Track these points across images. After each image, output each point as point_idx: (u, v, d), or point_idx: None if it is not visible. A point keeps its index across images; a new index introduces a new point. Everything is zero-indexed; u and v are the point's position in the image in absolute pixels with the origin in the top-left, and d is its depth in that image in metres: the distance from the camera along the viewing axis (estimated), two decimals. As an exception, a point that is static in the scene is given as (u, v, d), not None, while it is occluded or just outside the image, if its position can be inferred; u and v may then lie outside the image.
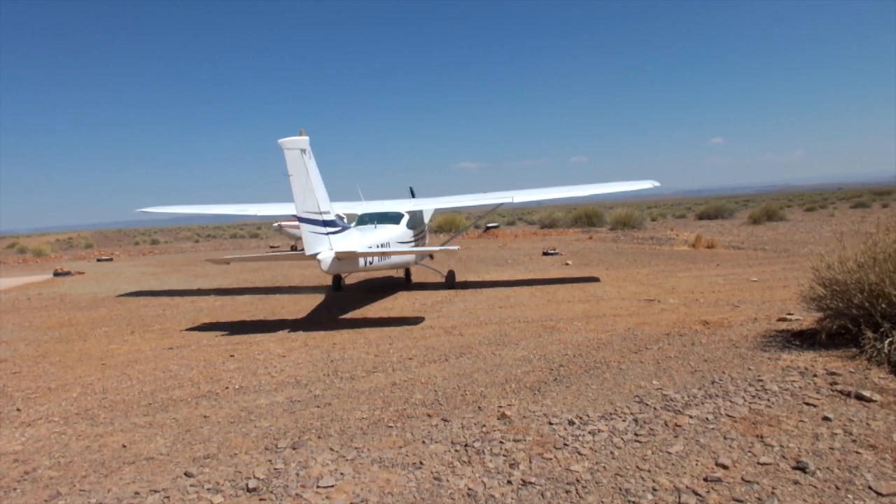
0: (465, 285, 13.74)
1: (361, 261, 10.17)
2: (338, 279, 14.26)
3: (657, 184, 14.53)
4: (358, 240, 10.48)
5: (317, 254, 9.57)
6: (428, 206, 13.99)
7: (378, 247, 11.06)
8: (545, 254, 19.72)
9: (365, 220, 12.92)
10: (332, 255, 9.56)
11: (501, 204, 13.57)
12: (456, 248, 10.37)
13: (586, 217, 36.46)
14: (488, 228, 38.89)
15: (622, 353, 7.12)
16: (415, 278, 15.40)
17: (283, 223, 29.27)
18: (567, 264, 16.68)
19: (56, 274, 20.40)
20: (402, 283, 14.82)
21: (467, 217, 34.88)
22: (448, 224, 33.33)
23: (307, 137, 9.50)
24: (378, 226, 12.45)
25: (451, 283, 13.53)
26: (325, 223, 9.76)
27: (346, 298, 12.67)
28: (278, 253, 12.26)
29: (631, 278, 13.41)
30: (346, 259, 9.73)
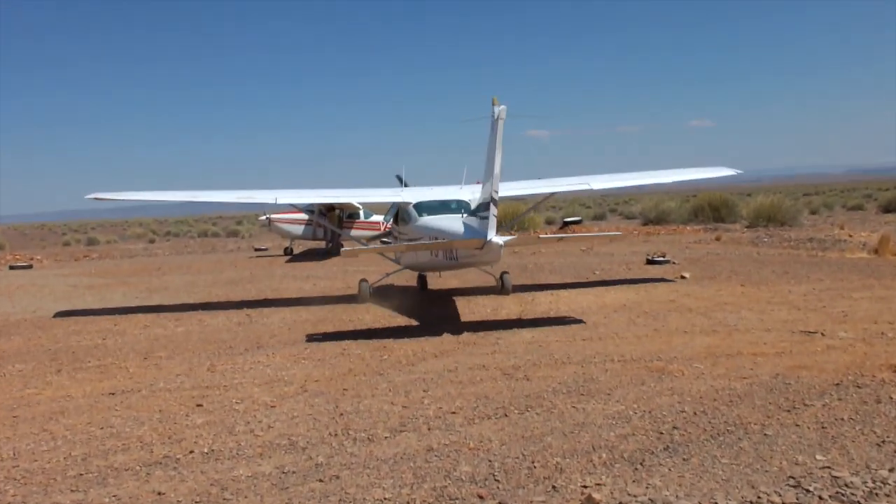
0: (534, 305, 13.66)
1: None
2: (424, 279, 17.02)
3: (735, 172, 18.26)
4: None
5: (488, 239, 11.76)
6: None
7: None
8: (650, 261, 19.55)
9: (435, 207, 14.89)
10: (501, 241, 11.94)
11: (577, 191, 15.68)
12: (616, 233, 11.88)
13: (711, 208, 35.96)
14: (567, 224, 38.77)
15: (768, 410, 6.94)
16: (445, 285, 15.41)
17: (272, 216, 29.74)
18: (683, 277, 16.50)
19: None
20: (439, 301, 14.86)
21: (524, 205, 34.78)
22: (503, 216, 33.37)
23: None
24: (465, 214, 14.16)
25: (506, 288, 15.34)
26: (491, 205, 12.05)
27: (362, 323, 12.74)
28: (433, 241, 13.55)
29: (780, 299, 13.16)
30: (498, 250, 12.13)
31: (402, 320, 12.91)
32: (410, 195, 15.84)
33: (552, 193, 17.62)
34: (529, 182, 17.65)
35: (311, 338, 11.64)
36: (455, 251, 12.83)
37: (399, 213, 16.01)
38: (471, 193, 15.26)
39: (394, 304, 14.62)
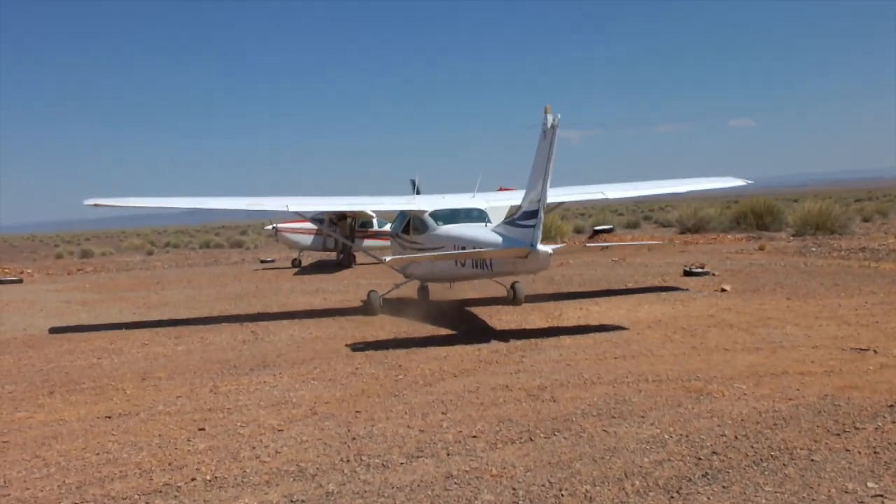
0: (561, 320, 13.66)
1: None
2: (426, 290, 17.65)
3: (746, 182, 19.86)
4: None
5: (536, 247, 12.46)
6: (498, 203, 16.52)
7: None
8: (687, 273, 19.52)
9: (455, 216, 15.65)
10: (550, 250, 12.68)
11: (591, 200, 17.33)
12: (658, 242, 12.79)
13: (754, 215, 35.79)
14: (597, 232, 38.78)
15: (815, 434, 6.92)
16: (453, 296, 15.45)
17: (279, 225, 29.89)
18: (723, 290, 16.44)
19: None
20: (456, 315, 14.89)
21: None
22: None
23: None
24: (487, 223, 15.19)
25: (518, 298, 16.18)
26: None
27: (376, 339, 12.78)
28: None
29: (829, 314, 13.10)
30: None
31: (418, 337, 12.93)
32: (424, 203, 16.46)
33: (561, 203, 18.63)
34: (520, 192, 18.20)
35: (322, 356, 11.70)
36: (490, 261, 13.38)
37: (411, 222, 16.37)
38: (485, 202, 16.31)
39: (409, 319, 14.72)
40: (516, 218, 13.39)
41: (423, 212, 15.92)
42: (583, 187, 18.78)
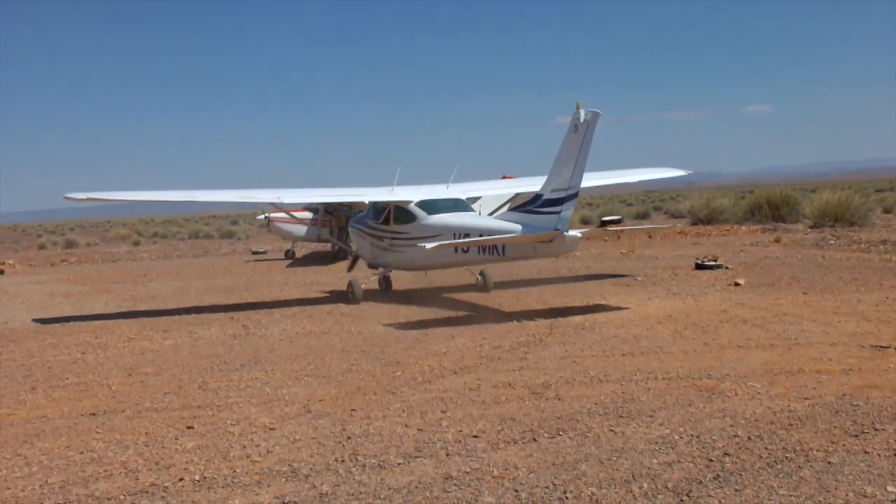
0: (566, 315, 13.66)
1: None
2: (388, 280, 18.70)
3: (685, 172, 22.57)
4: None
5: (564, 232, 13.73)
6: (473, 194, 18.98)
7: None
8: (699, 266, 19.50)
9: (446, 206, 16.90)
10: (578, 234, 14.16)
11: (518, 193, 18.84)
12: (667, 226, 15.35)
13: (769, 206, 35.74)
14: (605, 223, 38.75)
15: (832, 435, 6.91)
16: (429, 284, 15.49)
17: (271, 215, 29.90)
18: (737, 284, 16.43)
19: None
20: (453, 308, 14.94)
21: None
22: None
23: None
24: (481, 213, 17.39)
25: (487, 285, 17.59)
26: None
27: (373, 333, 12.81)
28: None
29: (848, 309, 13.09)
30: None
31: (416, 332, 12.95)
32: (408, 194, 17.65)
33: (518, 194, 19.58)
34: (492, 182, 20.82)
35: (317, 353, 11.71)
36: (503, 247, 14.58)
37: (393, 212, 17.32)
38: (461, 193, 17.99)
39: (405, 312, 14.78)
40: (535, 206, 14.45)
41: (409, 202, 17.01)
42: (521, 179, 20.51)
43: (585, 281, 18.63)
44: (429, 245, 14.47)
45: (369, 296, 17.38)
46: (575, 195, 13.95)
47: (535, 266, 21.24)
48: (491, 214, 17.46)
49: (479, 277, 17.75)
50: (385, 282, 18.62)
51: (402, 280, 19.44)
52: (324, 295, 18.48)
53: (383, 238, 17.53)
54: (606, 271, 20.27)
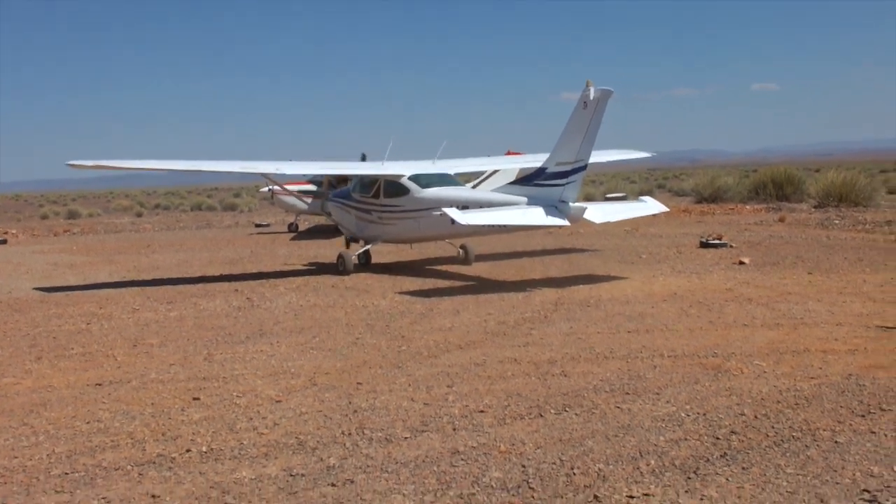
0: (571, 292, 13.67)
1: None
2: (368, 253, 18.76)
3: (650, 154, 25.03)
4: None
5: (566, 203, 14.74)
6: (462, 170, 19.96)
7: None
8: (704, 244, 19.51)
9: (439, 180, 17.44)
10: (584, 206, 15.05)
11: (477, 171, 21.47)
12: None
13: (774, 185, 35.65)
14: (609, 200, 38.72)
15: (839, 415, 6.93)
16: (415, 255, 15.50)
17: (275, 187, 29.79)
18: (742, 263, 16.43)
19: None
20: (457, 282, 14.99)
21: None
22: None
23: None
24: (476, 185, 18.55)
25: (468, 258, 18.05)
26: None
27: (377, 308, 12.82)
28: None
29: (853, 289, 13.09)
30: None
31: (420, 307, 12.95)
32: (397, 168, 18.13)
33: (496, 171, 21.21)
34: (478, 160, 22.03)
35: (322, 325, 11.73)
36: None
37: (383, 186, 17.65)
38: (450, 168, 18.60)
39: (410, 287, 14.82)
40: (539, 179, 15.16)
41: (401, 176, 17.43)
42: (478, 159, 21.96)
43: (590, 256, 18.64)
44: (460, 217, 14.52)
45: (373, 269, 17.67)
46: (583, 167, 14.67)
47: (537, 241, 21.33)
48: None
49: (460, 251, 18.22)
50: (364, 255, 18.63)
51: (406, 253, 19.91)
52: (328, 268, 18.48)
53: (371, 211, 17.91)
54: (614, 249, 20.25)
